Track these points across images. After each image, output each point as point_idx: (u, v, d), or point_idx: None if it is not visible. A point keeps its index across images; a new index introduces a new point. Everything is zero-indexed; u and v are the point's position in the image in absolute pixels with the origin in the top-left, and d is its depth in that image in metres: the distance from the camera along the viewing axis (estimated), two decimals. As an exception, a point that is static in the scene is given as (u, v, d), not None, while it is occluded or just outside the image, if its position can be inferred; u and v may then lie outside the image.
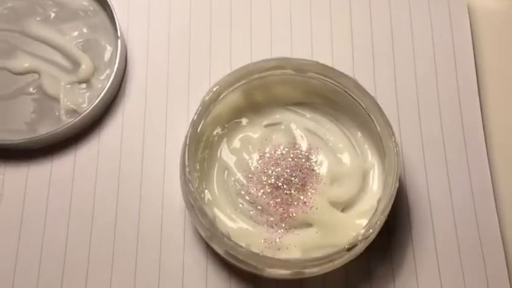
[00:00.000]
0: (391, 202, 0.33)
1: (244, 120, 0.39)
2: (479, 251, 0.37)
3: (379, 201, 0.34)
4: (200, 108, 0.35)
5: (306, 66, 0.36)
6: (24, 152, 0.39)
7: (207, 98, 0.35)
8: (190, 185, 0.33)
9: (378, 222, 0.33)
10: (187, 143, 0.34)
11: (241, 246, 0.32)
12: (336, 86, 0.37)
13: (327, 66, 0.36)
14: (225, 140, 0.38)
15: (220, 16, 0.42)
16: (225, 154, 0.38)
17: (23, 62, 0.40)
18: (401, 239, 0.37)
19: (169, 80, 0.40)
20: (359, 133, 0.38)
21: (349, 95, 0.36)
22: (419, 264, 0.37)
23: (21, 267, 0.37)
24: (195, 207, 0.33)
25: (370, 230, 0.33)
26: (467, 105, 0.40)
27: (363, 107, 0.36)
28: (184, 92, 0.40)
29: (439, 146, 0.39)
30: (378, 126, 0.35)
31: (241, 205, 0.36)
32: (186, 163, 0.33)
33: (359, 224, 0.35)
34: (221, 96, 0.36)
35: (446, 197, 0.38)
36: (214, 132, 0.38)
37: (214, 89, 0.35)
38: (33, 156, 0.39)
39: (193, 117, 0.35)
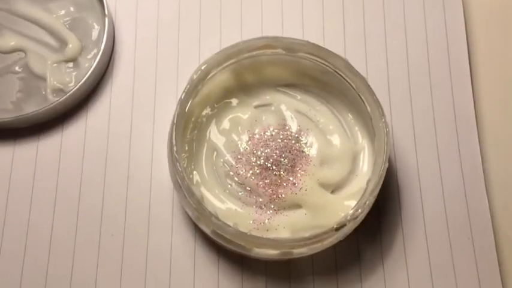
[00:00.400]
0: (381, 182, 0.33)
1: (234, 101, 0.38)
2: (469, 233, 0.37)
3: (368, 182, 0.34)
4: (188, 86, 0.34)
5: (297, 46, 0.36)
6: (11, 131, 0.38)
7: (195, 77, 0.35)
8: (177, 164, 0.33)
9: (367, 203, 0.32)
10: (175, 122, 0.33)
11: (228, 226, 0.32)
12: (327, 66, 0.36)
13: (317, 46, 0.36)
14: (214, 120, 0.38)
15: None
16: (214, 135, 0.37)
17: (9, 41, 0.39)
18: (390, 221, 0.37)
19: (158, 59, 0.40)
20: (349, 115, 0.38)
21: (340, 75, 0.36)
22: (408, 246, 0.37)
23: (7, 247, 0.36)
24: (183, 186, 0.33)
25: (359, 210, 0.32)
26: (459, 88, 0.39)
27: (353, 88, 0.36)
28: (173, 72, 0.40)
29: (430, 128, 0.39)
30: (368, 106, 0.35)
31: (229, 186, 0.36)
32: (174, 142, 0.33)
33: (348, 205, 0.35)
34: (210, 75, 0.36)
35: (437, 180, 0.38)
36: (203, 113, 0.37)
37: (203, 68, 0.35)
38: (20, 135, 0.38)
39: (181, 96, 0.34)
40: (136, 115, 0.39)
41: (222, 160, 0.37)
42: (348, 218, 0.32)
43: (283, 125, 0.38)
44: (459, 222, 0.37)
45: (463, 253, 0.36)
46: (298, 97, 0.38)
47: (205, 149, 0.37)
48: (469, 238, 0.37)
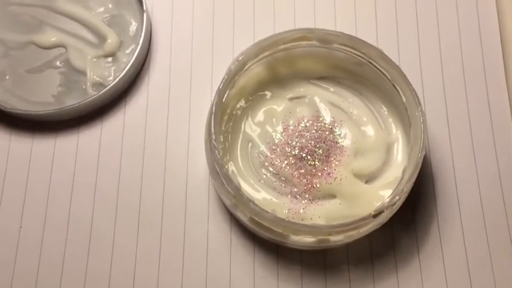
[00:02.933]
0: (417, 170, 0.33)
1: (268, 94, 0.39)
2: (505, 223, 0.37)
3: (404, 171, 0.34)
4: (226, 77, 0.35)
5: (331, 37, 0.36)
6: (52, 123, 0.39)
7: (232, 67, 0.35)
8: (216, 151, 0.33)
9: (405, 189, 0.33)
10: (213, 111, 0.34)
11: (266, 212, 0.32)
12: (361, 57, 0.36)
13: (352, 37, 0.36)
14: (249, 112, 0.38)
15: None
16: (249, 127, 0.38)
17: (51, 37, 0.40)
18: (425, 211, 0.37)
19: (193, 54, 0.41)
20: (383, 107, 0.38)
21: (374, 66, 0.36)
22: (444, 236, 0.36)
23: (48, 236, 0.37)
24: (221, 174, 0.33)
25: (396, 197, 0.32)
26: (493, 77, 0.39)
27: (388, 78, 0.36)
28: (208, 66, 0.41)
29: (464, 118, 0.39)
30: (403, 96, 0.35)
31: (264, 176, 0.37)
32: (212, 130, 0.34)
33: (383, 195, 0.35)
34: (246, 67, 0.36)
35: (472, 170, 0.38)
36: (238, 105, 0.38)
37: (240, 58, 0.35)
38: (61, 127, 0.39)
39: (219, 86, 0.35)
40: (172, 108, 0.40)
41: (257, 151, 0.37)
42: (386, 205, 0.32)
43: (317, 117, 0.38)
44: (495, 212, 0.37)
45: (500, 243, 0.36)
46: (332, 89, 0.39)
47: (240, 140, 0.38)
48: (507, 228, 0.36)
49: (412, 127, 0.35)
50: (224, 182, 0.33)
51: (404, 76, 0.35)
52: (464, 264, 0.36)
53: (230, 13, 0.42)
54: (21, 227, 0.37)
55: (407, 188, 0.33)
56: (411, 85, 0.35)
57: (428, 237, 0.37)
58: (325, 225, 0.33)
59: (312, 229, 0.32)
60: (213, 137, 0.33)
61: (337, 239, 0.33)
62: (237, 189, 0.33)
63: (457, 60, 0.40)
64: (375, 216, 0.32)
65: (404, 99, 0.35)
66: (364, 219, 0.32)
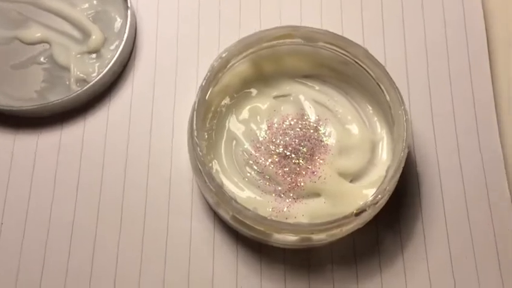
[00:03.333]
0: (401, 168, 0.33)
1: (253, 91, 0.39)
2: (490, 222, 0.36)
3: (388, 170, 0.34)
4: (209, 74, 0.35)
5: (316, 35, 0.36)
6: (35, 119, 0.39)
7: (215, 64, 0.35)
8: (198, 149, 0.33)
9: (387, 188, 0.32)
10: (196, 108, 0.34)
11: (248, 210, 0.32)
12: (346, 55, 0.36)
13: (337, 35, 0.36)
14: (233, 110, 0.38)
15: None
16: (233, 124, 0.38)
17: (35, 32, 0.40)
18: (410, 211, 0.37)
19: (179, 50, 0.41)
20: (368, 106, 0.38)
21: (359, 64, 0.36)
22: (428, 235, 0.36)
23: (30, 232, 0.37)
24: (203, 171, 0.33)
25: (379, 196, 0.32)
26: (478, 75, 0.39)
27: (372, 77, 0.36)
28: (193, 63, 0.40)
29: (449, 117, 0.39)
30: (387, 95, 0.35)
31: (249, 174, 0.36)
32: (194, 127, 0.33)
33: (367, 193, 0.35)
34: (230, 64, 0.36)
35: (456, 168, 0.38)
36: (223, 103, 0.38)
37: (223, 55, 0.35)
38: (44, 123, 0.39)
39: (202, 83, 0.35)
40: (156, 105, 0.39)
41: (241, 149, 0.37)
42: (368, 203, 0.32)
43: (301, 115, 0.38)
44: (480, 212, 0.37)
45: (484, 242, 0.36)
46: (317, 88, 0.39)
47: (224, 138, 0.37)
48: (490, 227, 0.36)
49: (396, 125, 0.35)
50: (206, 179, 0.33)
51: (388, 75, 0.35)
52: (448, 263, 0.36)
53: (216, 9, 0.42)
54: (2, 223, 0.37)
55: (390, 186, 0.33)
56: (395, 84, 0.35)
57: (412, 236, 0.36)
58: (307, 224, 0.32)
59: (294, 227, 0.32)
60: (195, 133, 0.33)
61: (320, 237, 0.33)
62: (219, 187, 0.33)
63: (443, 58, 0.40)
64: (357, 214, 0.32)
65: (388, 98, 0.35)
66: (346, 218, 0.32)
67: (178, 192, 0.37)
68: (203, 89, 0.35)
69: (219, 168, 0.36)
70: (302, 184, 0.36)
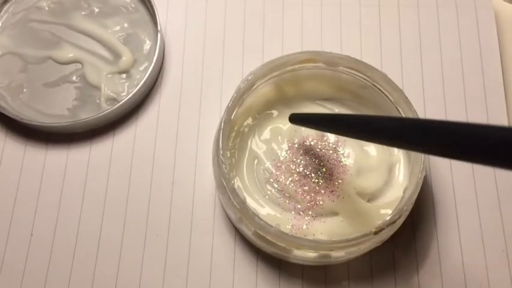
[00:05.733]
0: (418, 190, 0.34)
1: (275, 112, 0.40)
2: (503, 245, 0.37)
3: (405, 190, 0.35)
4: (235, 95, 0.36)
5: (337, 60, 0.38)
6: (66, 135, 0.41)
7: (241, 86, 0.37)
8: (223, 166, 0.34)
9: (405, 208, 0.34)
10: (222, 127, 0.36)
11: (271, 226, 0.33)
12: (366, 80, 0.38)
13: (357, 60, 0.37)
14: (255, 130, 0.39)
15: (253, 12, 0.44)
16: (255, 144, 0.39)
17: (68, 53, 0.42)
18: (425, 231, 0.38)
19: (204, 73, 0.42)
20: (386, 128, 0.39)
21: (378, 88, 0.38)
22: (443, 255, 0.37)
23: (58, 245, 0.38)
24: (227, 188, 0.34)
25: (397, 216, 0.33)
26: (493, 103, 0.41)
27: (391, 100, 0.37)
28: (218, 85, 0.42)
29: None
30: (405, 118, 0.36)
31: (269, 192, 0.38)
32: (220, 146, 0.35)
33: (384, 213, 0.36)
34: (254, 86, 0.38)
35: (471, 191, 0.39)
36: (245, 123, 0.39)
37: (249, 78, 0.37)
38: (74, 140, 0.41)
39: (228, 104, 0.36)
40: (182, 124, 0.41)
41: (262, 167, 0.38)
42: (386, 223, 0.33)
43: (321, 136, 0.39)
44: (494, 234, 0.38)
45: (498, 265, 0.37)
46: (336, 110, 0.40)
47: (246, 157, 0.39)
48: (504, 250, 0.37)
49: (413, 148, 0.36)
50: (230, 196, 0.34)
51: (406, 99, 0.36)
52: (462, 283, 0.37)
53: (240, 35, 0.43)
54: (32, 235, 0.38)
55: (407, 207, 0.34)
56: (413, 108, 0.36)
57: (427, 255, 0.37)
58: (327, 241, 0.33)
59: (315, 244, 0.33)
60: (221, 152, 0.35)
61: (339, 254, 0.34)
62: (243, 203, 0.34)
63: (459, 85, 0.41)
64: (376, 233, 0.33)
65: (406, 122, 0.36)
66: (365, 236, 0.33)
67: (201, 208, 0.39)
68: (229, 109, 0.36)
69: (241, 186, 0.38)
70: (321, 203, 0.37)
